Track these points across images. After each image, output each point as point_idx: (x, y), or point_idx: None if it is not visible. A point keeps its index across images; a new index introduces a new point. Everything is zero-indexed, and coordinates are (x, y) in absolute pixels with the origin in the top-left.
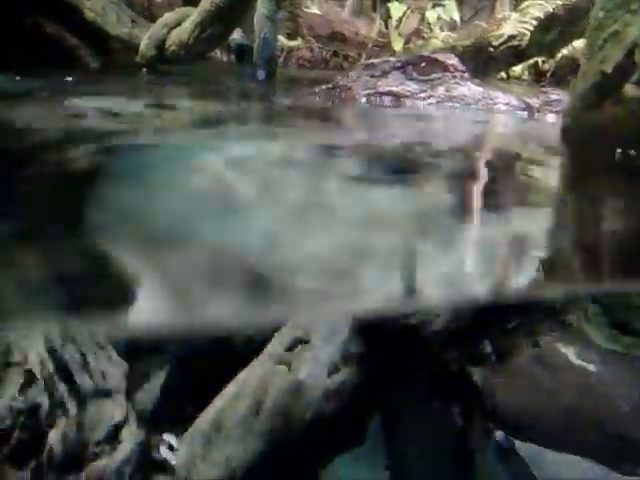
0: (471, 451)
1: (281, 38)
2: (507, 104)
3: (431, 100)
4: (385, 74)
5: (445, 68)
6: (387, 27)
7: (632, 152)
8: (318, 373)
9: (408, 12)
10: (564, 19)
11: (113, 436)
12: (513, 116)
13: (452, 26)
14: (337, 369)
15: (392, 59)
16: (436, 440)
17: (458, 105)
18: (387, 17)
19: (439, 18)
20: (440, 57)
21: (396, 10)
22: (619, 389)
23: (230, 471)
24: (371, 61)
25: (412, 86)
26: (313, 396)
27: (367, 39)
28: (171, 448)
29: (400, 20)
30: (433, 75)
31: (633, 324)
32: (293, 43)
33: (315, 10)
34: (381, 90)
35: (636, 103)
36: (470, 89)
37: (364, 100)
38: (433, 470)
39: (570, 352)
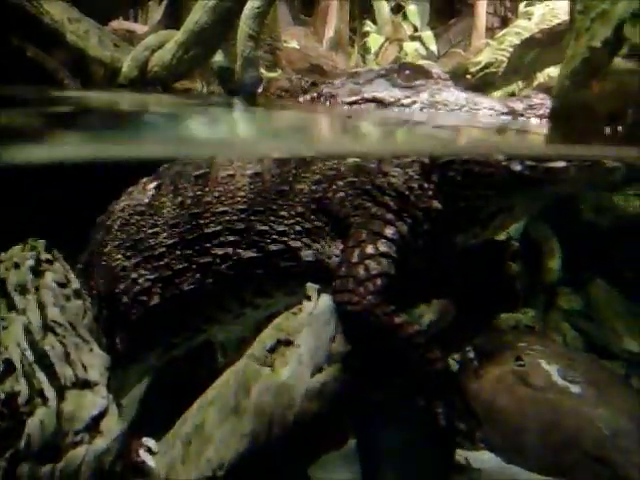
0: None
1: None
2: (491, 109)
3: (415, 106)
4: (369, 81)
5: (428, 75)
6: (364, 61)
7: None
8: (301, 374)
9: (386, 44)
10: (542, 42)
11: (93, 426)
12: (494, 118)
13: (430, 57)
14: (321, 369)
15: (376, 67)
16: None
17: (442, 110)
18: (365, 51)
19: (417, 50)
20: (424, 65)
21: (374, 41)
22: (601, 411)
23: (211, 472)
24: (355, 70)
25: (396, 92)
26: (296, 397)
27: (345, 72)
28: (150, 451)
29: (378, 52)
30: (417, 82)
31: (611, 348)
32: (272, 74)
33: (294, 44)
34: (365, 96)
35: (627, 75)
36: (454, 94)
37: (347, 107)
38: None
39: (552, 369)
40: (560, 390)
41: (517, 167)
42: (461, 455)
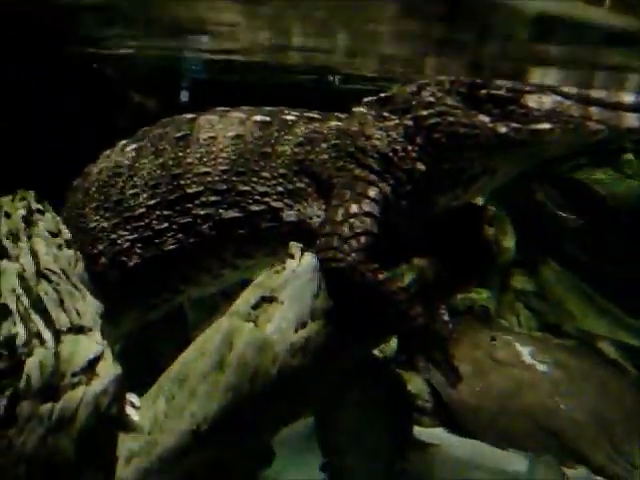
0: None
1: None
2: None
3: None
4: None
5: None
6: None
7: None
8: (284, 329)
9: None
10: None
11: (90, 369)
12: None
13: None
14: (304, 325)
15: None
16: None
17: None
18: None
19: None
20: None
21: None
22: (562, 387)
23: (195, 426)
24: None
25: None
26: (279, 351)
27: None
28: (134, 406)
29: None
30: None
31: (564, 327)
32: None
33: None
34: None
35: None
36: None
37: None
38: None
39: (524, 350)
40: (526, 367)
41: (502, 129)
42: (419, 432)
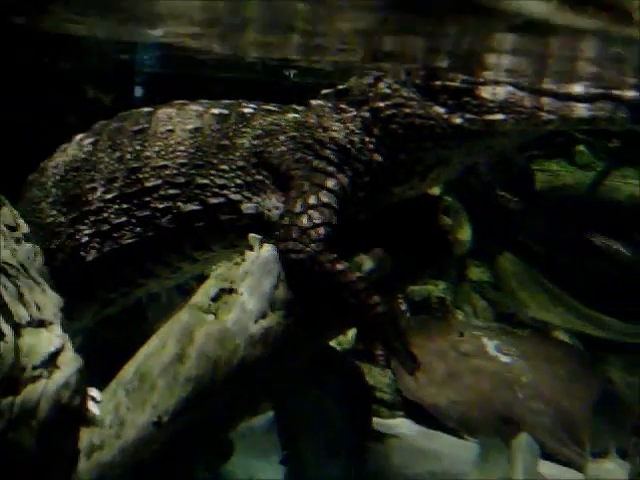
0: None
1: None
2: None
3: None
4: None
5: None
6: None
7: None
8: (244, 320)
9: None
10: None
11: (51, 362)
12: None
13: None
14: (264, 316)
15: None
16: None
17: None
18: None
19: None
20: None
21: None
22: (523, 378)
23: (156, 418)
24: None
25: None
26: (239, 342)
27: None
28: (94, 400)
29: None
30: None
31: (519, 317)
32: None
33: None
34: None
35: None
36: None
37: None
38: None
39: (490, 343)
40: (488, 358)
41: (457, 120)
42: (377, 423)
